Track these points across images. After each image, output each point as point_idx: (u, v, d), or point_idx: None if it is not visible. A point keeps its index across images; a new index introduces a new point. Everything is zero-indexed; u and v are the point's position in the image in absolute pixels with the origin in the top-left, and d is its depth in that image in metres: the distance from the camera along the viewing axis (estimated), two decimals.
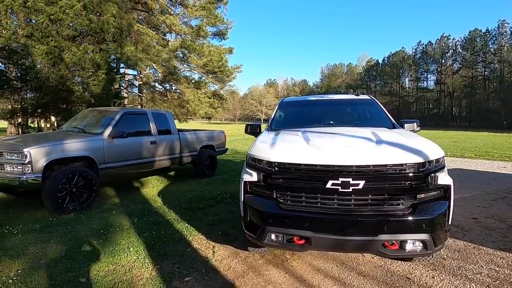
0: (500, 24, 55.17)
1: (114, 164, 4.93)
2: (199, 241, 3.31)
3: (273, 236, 2.32)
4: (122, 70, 17.23)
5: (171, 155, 6.11)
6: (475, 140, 19.57)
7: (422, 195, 2.18)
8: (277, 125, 3.61)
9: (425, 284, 2.41)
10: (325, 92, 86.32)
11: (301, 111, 4.04)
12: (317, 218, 2.19)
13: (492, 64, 57.23)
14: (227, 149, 8.11)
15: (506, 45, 54.54)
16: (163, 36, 19.59)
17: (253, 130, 3.74)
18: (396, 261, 2.75)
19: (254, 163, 2.49)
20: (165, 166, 6.41)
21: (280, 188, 2.33)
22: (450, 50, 63.49)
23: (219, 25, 20.66)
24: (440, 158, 2.29)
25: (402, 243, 2.14)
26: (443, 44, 64.19)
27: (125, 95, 18.10)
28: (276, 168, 2.32)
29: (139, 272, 2.65)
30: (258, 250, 2.91)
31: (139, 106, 19.53)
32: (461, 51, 61.67)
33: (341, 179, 2.11)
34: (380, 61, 79.76)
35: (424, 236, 2.11)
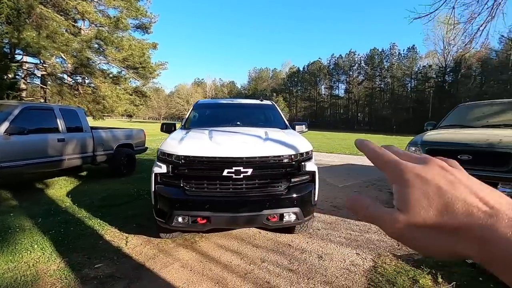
0: (391, 46, 67.15)
1: (12, 163, 4.52)
2: (112, 234, 3.45)
3: (180, 219, 2.72)
4: (19, 58, 14.83)
5: (83, 153, 5.84)
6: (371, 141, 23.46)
7: (295, 179, 2.91)
8: (190, 125, 4.02)
9: (301, 247, 3.17)
10: (252, 94, 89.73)
11: (213, 112, 4.54)
12: (216, 200, 2.69)
13: (386, 78, 69.05)
14: (146, 148, 8.04)
15: (395, 64, 66.58)
16: (73, 23, 17.59)
17: (168, 129, 4.05)
18: (283, 234, 3.48)
19: (164, 157, 2.84)
20: (76, 165, 6.07)
21: (186, 177, 2.75)
22: (356, 64, 74.00)
23: (141, 18, 19.66)
24: (308, 151, 3.07)
25: (281, 216, 2.81)
26: (351, 59, 74.37)
27: (23, 86, 15.61)
28: (183, 161, 2.73)
29: (45, 266, 2.70)
30: (169, 236, 3.26)
31: (42, 100, 17.06)
32: (364, 65, 72.52)
33: (234, 168, 2.66)
34: (301, 69, 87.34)
35: (296, 210, 2.82)
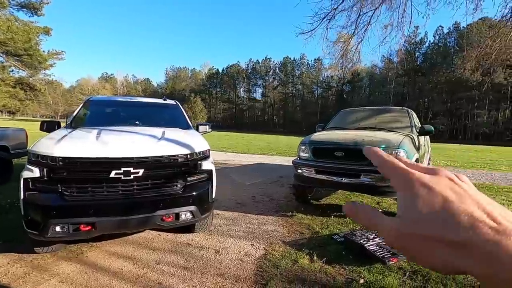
0: (301, 56, 74.29)
1: None
2: None
3: (58, 228, 2.42)
4: None
5: None
6: (282, 142, 25.43)
7: (191, 178, 2.95)
8: (78, 123, 3.61)
9: (200, 245, 3.23)
10: (170, 94, 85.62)
11: (108, 111, 4.19)
12: (103, 204, 2.50)
13: (297, 85, 76.01)
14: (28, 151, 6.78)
15: (305, 72, 73.97)
16: None
17: (50, 127, 3.54)
18: (184, 234, 3.48)
19: (37, 159, 2.49)
20: None
21: (66, 181, 2.47)
22: (271, 70, 79.07)
23: None
24: (205, 150, 3.16)
25: (177, 215, 2.81)
26: (267, 65, 79.04)
27: None
28: (61, 163, 2.44)
29: None
30: (48, 249, 2.86)
31: None
32: (278, 72, 78.11)
33: (123, 169, 2.53)
34: (221, 71, 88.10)
35: (192, 208, 2.86)
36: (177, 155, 2.84)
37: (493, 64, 8.00)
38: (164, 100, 4.74)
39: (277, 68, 78.39)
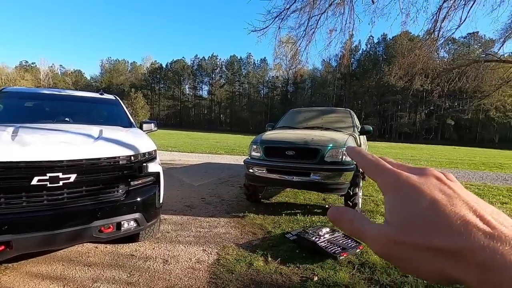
0: (247, 55, 75.05)
1: None
2: None
3: None
4: None
5: None
6: (230, 141, 25.32)
7: (136, 182, 2.65)
8: None
9: (145, 255, 2.93)
10: (106, 88, 78.55)
11: (28, 105, 3.53)
12: (21, 218, 2.07)
13: (244, 84, 76.64)
14: None
15: (251, 72, 74.95)
16: None
17: None
18: (126, 244, 3.13)
19: None
20: None
21: None
22: (218, 68, 78.18)
23: None
24: (151, 151, 2.88)
25: (118, 225, 2.49)
26: (213, 62, 77.91)
27: None
28: None
29: None
30: None
31: None
32: (225, 70, 77.61)
33: (49, 175, 2.12)
34: (164, 66, 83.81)
35: (136, 215, 2.57)
36: (118, 157, 2.51)
37: (416, 72, 9.14)
38: (101, 94, 4.21)
39: (223, 66, 77.82)
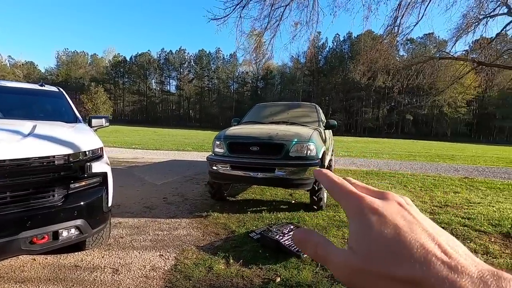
0: (216, 50, 73.79)
1: None
2: None
3: None
4: None
5: None
6: (199, 137, 24.73)
7: (77, 184, 2.34)
8: None
9: (92, 265, 2.63)
10: (63, 82, 73.21)
11: None
12: None
13: (213, 79, 75.36)
14: None
15: (220, 67, 73.85)
16: None
17: None
18: (69, 253, 2.79)
19: None
20: None
21: None
22: (186, 62, 75.97)
23: None
24: (96, 149, 2.57)
25: (55, 234, 2.17)
26: (181, 56, 75.53)
27: None
28: None
29: None
30: None
31: None
32: (194, 64, 75.66)
33: None
34: (128, 59, 79.61)
35: (78, 222, 2.26)
36: (53, 157, 2.18)
37: (378, 69, 9.48)
38: (41, 85, 3.72)
39: (192, 61, 75.68)
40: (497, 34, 7.99)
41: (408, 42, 58.29)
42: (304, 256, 2.62)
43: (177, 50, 75.39)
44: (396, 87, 10.14)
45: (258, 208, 4.34)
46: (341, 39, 67.71)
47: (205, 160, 4.36)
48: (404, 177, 7.25)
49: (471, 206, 4.58)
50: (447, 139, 52.05)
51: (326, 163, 4.94)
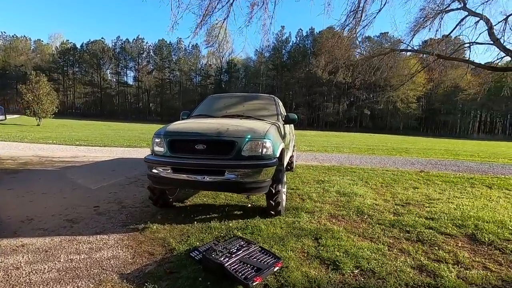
0: (178, 41, 70.51)
1: None
2: None
3: None
4: None
5: None
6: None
7: None
8: None
9: None
10: (1, 69, 65.17)
11: None
12: None
13: (175, 71, 72.13)
14: None
15: (182, 58, 70.84)
16: None
17: None
18: None
19: None
20: None
21: None
22: (145, 52, 71.63)
23: None
24: None
25: None
26: (139, 45, 70.97)
27: None
28: None
29: None
30: None
31: None
32: (153, 55, 71.60)
33: None
34: (79, 46, 72.80)
35: None
36: None
37: (339, 62, 9.32)
38: None
39: (151, 51, 71.43)
40: (453, 29, 8.23)
41: (366, 40, 61.02)
42: (254, 284, 2.09)
43: (134, 39, 70.57)
44: (358, 79, 10.13)
45: (207, 216, 3.74)
46: (304, 34, 68.73)
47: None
48: (365, 173, 7.13)
49: (432, 203, 4.44)
50: (400, 133, 55.78)
51: (286, 162, 4.48)
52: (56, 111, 30.79)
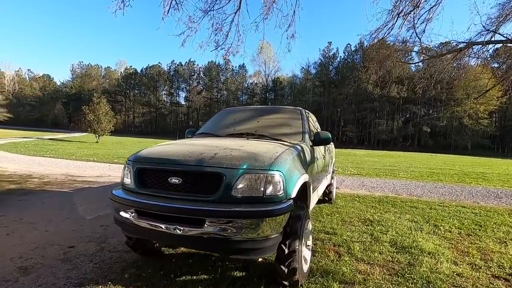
0: (225, 61, 73.36)
1: None
2: None
3: None
4: None
5: None
6: None
7: None
8: None
9: None
10: (77, 94, 74.73)
11: None
12: None
13: (222, 91, 74.79)
14: None
15: (230, 78, 73.33)
16: None
17: None
18: None
19: None
20: None
21: None
22: (196, 74, 75.98)
23: None
24: None
25: None
26: (190, 68, 75.67)
27: None
28: None
29: None
30: None
31: None
32: (203, 76, 75.52)
33: None
34: (139, 71, 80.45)
35: None
36: None
37: (389, 79, 7.82)
38: None
39: (201, 72, 75.54)
40: None
41: (424, 50, 55.94)
42: None
43: (186, 62, 75.51)
44: (420, 86, 8.36)
45: (194, 277, 2.61)
46: (353, 48, 66.00)
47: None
48: (432, 209, 5.35)
49: None
50: (468, 153, 48.52)
51: (312, 202, 3.19)
52: (113, 129, 33.30)
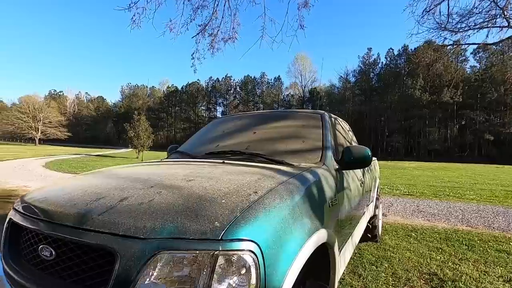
0: (261, 75, 73.85)
1: None
2: None
3: None
4: None
5: None
6: None
7: None
8: None
9: None
10: (125, 113, 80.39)
11: None
12: None
13: (258, 104, 74.90)
14: None
15: (265, 91, 73.35)
16: None
17: None
18: None
19: None
20: None
21: None
22: (232, 89, 77.46)
23: None
24: None
25: None
26: (227, 83, 77.43)
27: None
28: None
29: None
30: None
31: None
32: (239, 90, 76.66)
33: None
34: (180, 88, 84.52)
35: None
36: None
37: (440, 83, 6.08)
38: None
39: (237, 87, 76.88)
40: None
41: (480, 50, 50.24)
42: None
43: (223, 78, 77.60)
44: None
45: None
46: (396, 53, 61.75)
47: None
48: None
49: None
50: None
51: (340, 270, 1.86)
52: (151, 145, 34.42)
